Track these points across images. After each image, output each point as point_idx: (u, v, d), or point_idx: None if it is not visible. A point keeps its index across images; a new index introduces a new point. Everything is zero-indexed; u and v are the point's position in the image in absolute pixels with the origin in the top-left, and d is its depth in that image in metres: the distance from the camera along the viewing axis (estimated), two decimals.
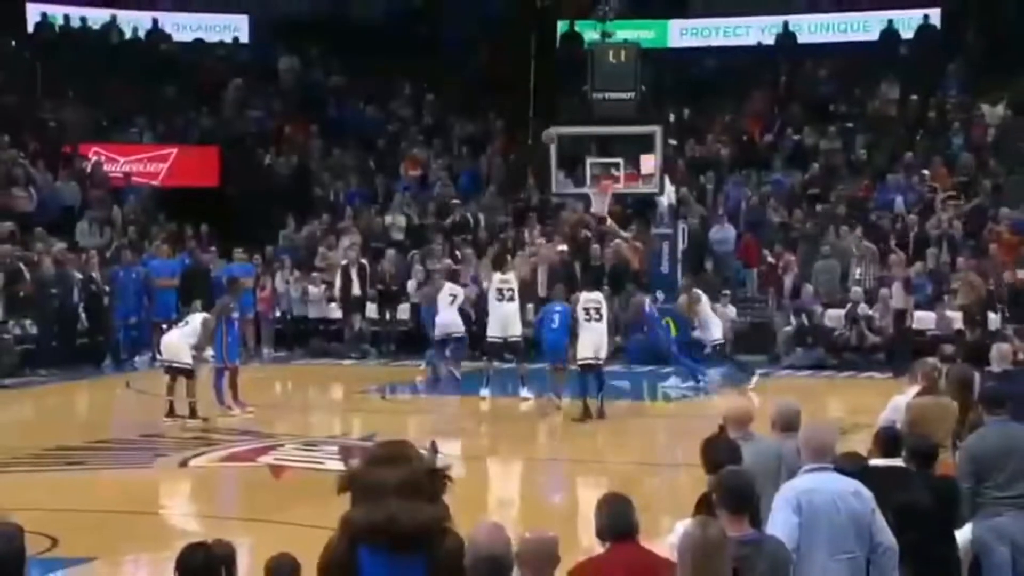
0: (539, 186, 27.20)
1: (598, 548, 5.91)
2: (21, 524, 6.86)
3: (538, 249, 24.47)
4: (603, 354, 17.53)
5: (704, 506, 6.55)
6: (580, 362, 17.36)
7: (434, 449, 5.55)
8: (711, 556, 5.32)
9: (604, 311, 17.77)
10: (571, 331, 17.63)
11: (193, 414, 16.69)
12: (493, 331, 18.29)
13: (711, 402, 18.27)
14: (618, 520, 5.83)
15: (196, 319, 17.10)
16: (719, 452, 7.08)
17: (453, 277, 21.54)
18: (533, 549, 5.33)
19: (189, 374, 16.80)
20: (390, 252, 25.27)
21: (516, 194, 28.68)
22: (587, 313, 17.51)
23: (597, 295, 18.03)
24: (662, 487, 13.26)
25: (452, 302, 19.56)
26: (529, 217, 26.53)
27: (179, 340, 16.99)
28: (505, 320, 18.26)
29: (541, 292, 22.90)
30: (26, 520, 7.32)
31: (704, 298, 20.25)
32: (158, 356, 17.36)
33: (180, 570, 5.47)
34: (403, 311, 24.53)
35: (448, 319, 19.46)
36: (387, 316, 24.62)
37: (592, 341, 17.32)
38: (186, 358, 16.81)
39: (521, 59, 30.68)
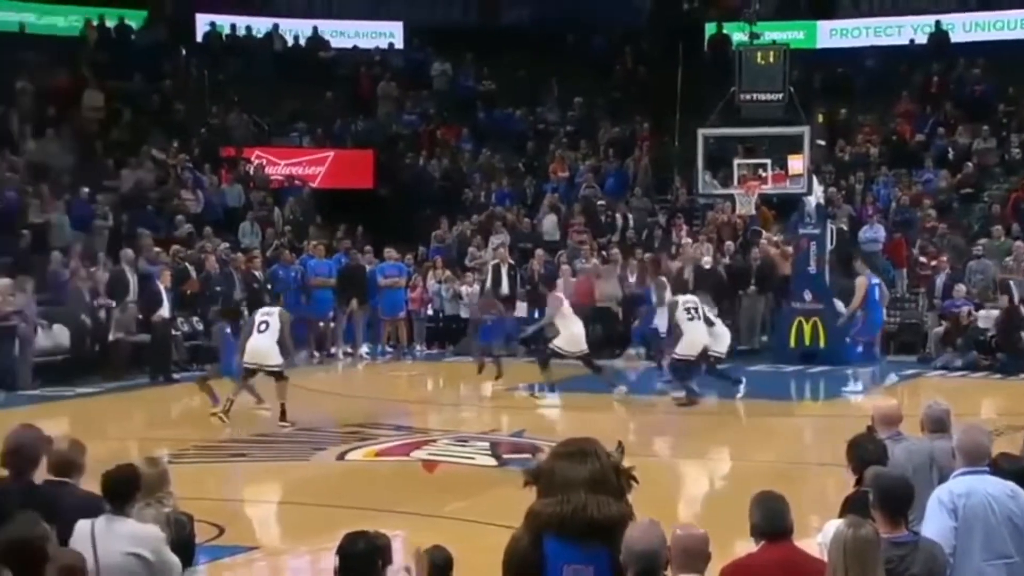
0: (686, 187, 27.05)
1: (750, 547, 5.84)
2: (191, 513, 7.08)
3: (685, 249, 24.32)
4: (695, 351, 17.83)
5: (852, 506, 6.46)
6: (678, 357, 17.82)
7: (621, 449, 5.59)
8: (863, 556, 5.23)
9: (704, 311, 18.05)
10: (674, 329, 18.10)
11: (283, 415, 16.37)
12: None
13: (858, 402, 18.01)
14: (773, 519, 5.72)
15: (275, 320, 16.58)
16: (866, 452, 6.94)
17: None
18: (683, 545, 5.31)
19: (279, 376, 16.53)
20: (539, 252, 25.30)
21: (662, 195, 28.59)
22: (688, 312, 17.90)
23: (692, 296, 18.60)
24: (806, 486, 13.08)
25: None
26: (677, 218, 26.41)
27: (267, 343, 16.48)
28: (697, 337, 18.05)
29: (690, 288, 22.73)
30: (195, 509, 7.55)
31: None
32: (244, 362, 16.58)
33: (341, 557, 5.56)
34: None
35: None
36: (536, 315, 24.66)
37: (691, 340, 17.73)
38: (275, 360, 16.49)
39: (668, 62, 30.52)
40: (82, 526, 6.27)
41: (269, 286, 23.11)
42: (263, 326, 16.52)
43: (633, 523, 5.22)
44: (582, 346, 18.81)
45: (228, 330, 17.80)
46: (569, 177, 29.12)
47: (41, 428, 7.33)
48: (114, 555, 6.22)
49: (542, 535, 5.29)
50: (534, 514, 5.37)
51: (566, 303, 19.33)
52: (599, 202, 27.64)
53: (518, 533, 5.38)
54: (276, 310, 17.04)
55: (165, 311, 20.91)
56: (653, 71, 31.38)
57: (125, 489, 6.44)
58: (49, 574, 5.49)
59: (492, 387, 19.61)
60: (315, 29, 33.23)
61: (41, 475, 6.88)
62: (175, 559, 6.48)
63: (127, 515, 6.39)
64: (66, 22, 31.19)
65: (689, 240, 24.85)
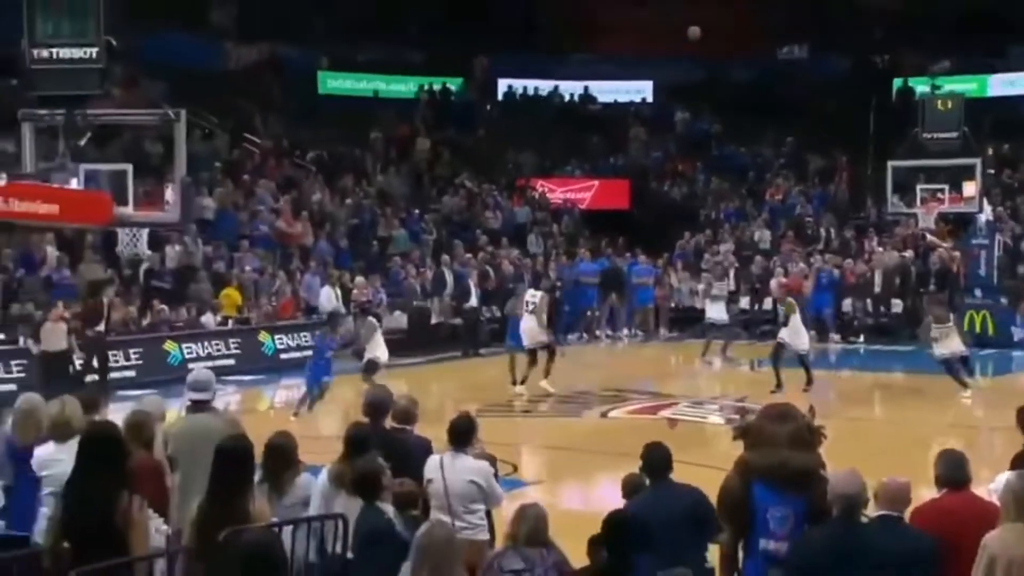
0: (876, 207, 26.04)
1: (933, 493, 5.57)
2: (494, 455, 7.16)
3: (876, 255, 23.44)
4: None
5: (1020, 462, 6.12)
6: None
7: (812, 413, 5.49)
8: None
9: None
10: None
11: (548, 374, 15.81)
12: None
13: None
14: (954, 471, 5.46)
15: (540, 302, 15.86)
16: None
17: None
18: (893, 490, 5.14)
19: (549, 349, 16.00)
20: (758, 258, 24.80)
21: (856, 213, 27.60)
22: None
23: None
24: (980, 445, 12.39)
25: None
26: (869, 231, 25.48)
27: (533, 323, 15.84)
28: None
29: (877, 290, 21.94)
30: (499, 451, 7.68)
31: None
32: (510, 344, 16.02)
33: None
34: (767, 303, 24.02)
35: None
36: (755, 307, 24.20)
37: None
38: (541, 338, 15.94)
39: (862, 108, 29.44)
40: (433, 459, 6.49)
41: (559, 283, 23.32)
42: (530, 306, 16.07)
43: (838, 471, 5.08)
44: (801, 343, 16.67)
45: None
46: (782, 199, 28.41)
47: (388, 388, 7.63)
48: (459, 482, 6.41)
49: (751, 481, 5.19)
50: (745, 464, 5.26)
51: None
52: (807, 219, 26.93)
53: (730, 478, 5.29)
54: (539, 293, 16.44)
55: (473, 301, 21.38)
56: (850, 115, 30.29)
57: (465, 433, 6.61)
58: (384, 498, 5.68)
59: (720, 362, 19.32)
60: (586, 88, 33.38)
61: (388, 423, 7.16)
62: (500, 489, 6.66)
63: (465, 453, 6.57)
64: (406, 88, 32.20)
65: (880, 248, 23.94)
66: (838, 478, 5.01)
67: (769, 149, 31.29)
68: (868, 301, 23.13)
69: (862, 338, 22.65)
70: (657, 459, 5.92)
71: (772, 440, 5.18)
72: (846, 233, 26.12)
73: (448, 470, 6.41)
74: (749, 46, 32.32)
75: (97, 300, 16.38)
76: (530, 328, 15.98)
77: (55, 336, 15.60)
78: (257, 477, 5.78)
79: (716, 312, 20.10)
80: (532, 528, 5.37)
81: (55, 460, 6.07)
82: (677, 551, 5.23)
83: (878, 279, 22.56)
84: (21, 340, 16.39)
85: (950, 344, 15.72)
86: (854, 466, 5.11)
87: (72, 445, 6.05)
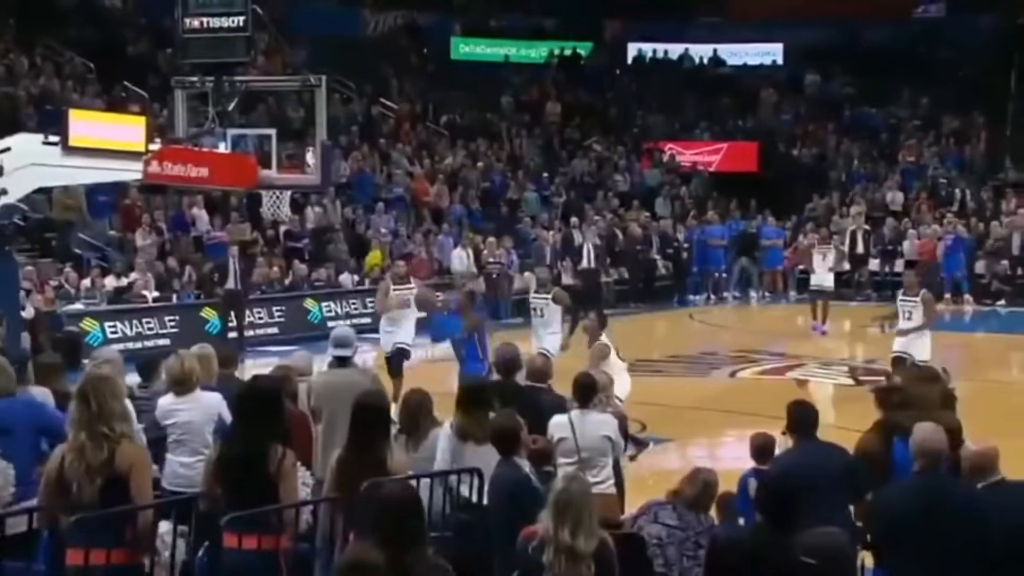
0: (1015, 167, 24.91)
1: None
2: (624, 413, 7.12)
3: (1015, 217, 22.42)
4: None
5: None
6: None
7: (946, 372, 5.31)
8: None
9: None
10: None
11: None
12: None
13: None
14: None
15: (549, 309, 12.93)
16: None
17: None
18: (976, 458, 4.93)
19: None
20: (889, 220, 24.03)
21: (994, 175, 26.46)
22: None
23: None
24: None
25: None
26: (1007, 192, 24.38)
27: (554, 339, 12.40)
28: None
29: (1015, 252, 21.01)
30: (627, 410, 7.60)
31: None
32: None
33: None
34: (898, 265, 23.28)
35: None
36: (886, 269, 23.46)
37: None
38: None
39: (1002, 68, 28.08)
40: (561, 418, 6.54)
41: (687, 245, 23.02)
42: (539, 311, 12.57)
43: (920, 425, 4.86)
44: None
45: None
46: (915, 161, 27.42)
47: (517, 346, 7.62)
48: (590, 436, 6.48)
49: (893, 439, 5.04)
50: (892, 423, 5.11)
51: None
52: (941, 180, 25.94)
53: (869, 438, 5.16)
54: (551, 302, 12.30)
55: (592, 262, 21.22)
56: (990, 74, 28.94)
57: (589, 389, 6.64)
58: (520, 453, 5.68)
59: (849, 325, 18.80)
60: (715, 51, 32.70)
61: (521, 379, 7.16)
62: (623, 441, 6.70)
63: (591, 409, 6.61)
64: (536, 53, 32.08)
65: (1021, 211, 22.89)
66: (923, 432, 4.80)
67: (904, 110, 30.17)
68: (1006, 263, 22.19)
69: (1002, 301, 21.76)
70: (804, 416, 5.64)
71: (924, 401, 5.04)
72: (983, 195, 25.09)
73: (579, 427, 6.42)
74: (884, 5, 31.17)
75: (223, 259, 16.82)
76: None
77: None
78: (394, 430, 5.85)
79: (821, 278, 19.11)
80: (699, 493, 5.42)
81: (175, 410, 6.31)
82: (825, 511, 5.05)
83: (1016, 241, 21.59)
84: (175, 297, 17.02)
85: None
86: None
87: (192, 398, 6.25)
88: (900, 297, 12.36)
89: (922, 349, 11.48)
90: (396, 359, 11.77)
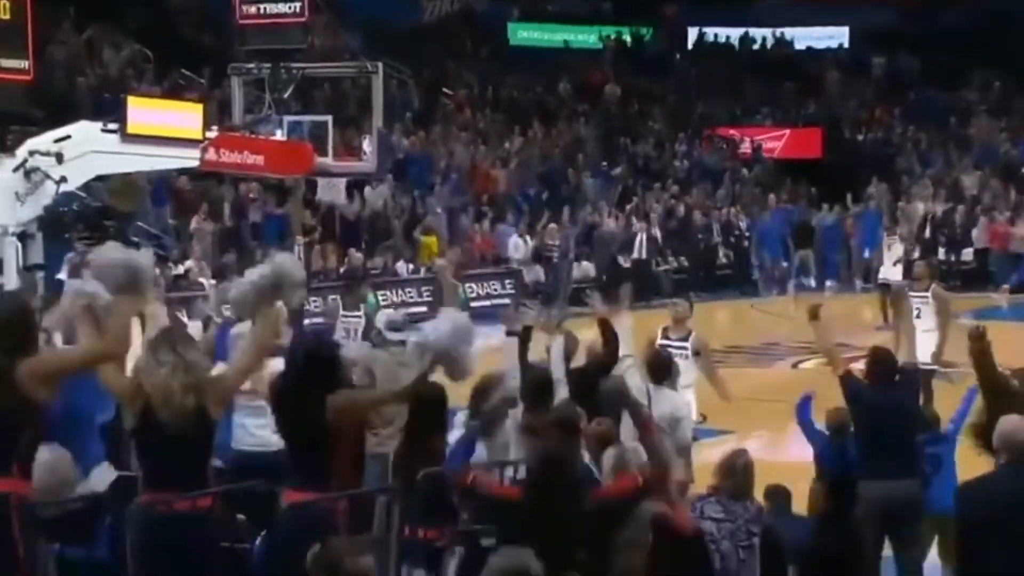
0: None
1: None
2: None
3: None
4: None
5: None
6: None
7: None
8: None
9: None
10: None
11: None
12: None
13: None
14: None
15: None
16: None
17: None
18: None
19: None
20: (960, 207, 23.57)
21: None
22: None
23: None
24: None
25: None
26: None
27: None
28: None
29: None
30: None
31: None
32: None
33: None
34: (967, 254, 22.89)
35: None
36: (952, 258, 23.05)
37: None
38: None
39: None
40: (640, 387, 6.72)
41: (748, 233, 22.78)
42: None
43: (1007, 417, 4.80)
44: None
45: None
46: (987, 143, 26.91)
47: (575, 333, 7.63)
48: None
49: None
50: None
51: None
52: (1013, 165, 25.44)
53: None
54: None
55: (643, 251, 21.01)
56: None
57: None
58: (580, 443, 5.65)
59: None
60: (781, 34, 32.30)
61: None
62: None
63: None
64: (594, 38, 31.94)
65: None
66: (1010, 424, 4.69)
67: (973, 93, 29.56)
68: None
69: None
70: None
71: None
72: None
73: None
74: None
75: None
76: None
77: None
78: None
79: (887, 271, 18.35)
80: (740, 480, 5.37)
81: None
82: None
83: None
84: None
85: None
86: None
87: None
88: (910, 291, 10.71)
89: (923, 349, 9.30)
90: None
